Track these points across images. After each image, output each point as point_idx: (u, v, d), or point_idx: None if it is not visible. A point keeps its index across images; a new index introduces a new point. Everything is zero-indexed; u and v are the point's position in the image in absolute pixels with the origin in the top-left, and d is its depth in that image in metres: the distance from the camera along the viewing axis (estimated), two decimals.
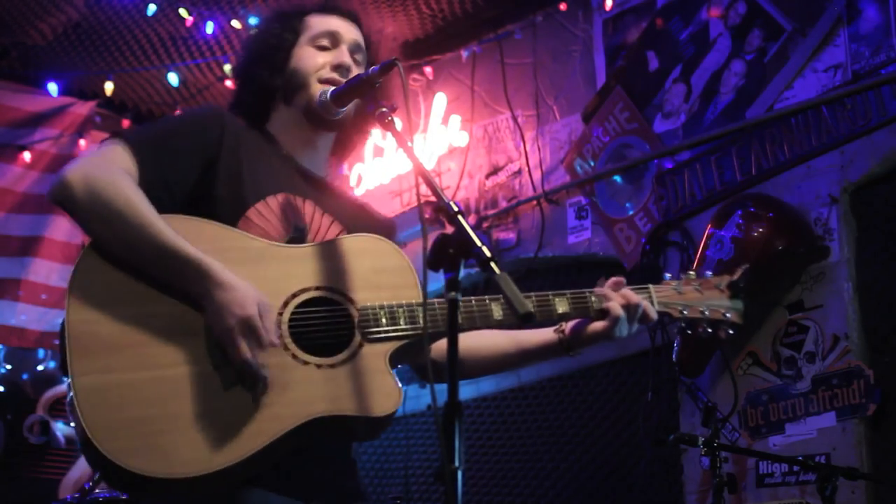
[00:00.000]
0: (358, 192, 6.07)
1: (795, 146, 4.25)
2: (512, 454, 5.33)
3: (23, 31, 5.61)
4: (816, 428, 4.00)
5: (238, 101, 2.46)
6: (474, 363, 2.36)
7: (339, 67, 2.36)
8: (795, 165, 4.24)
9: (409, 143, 2.10)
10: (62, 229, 5.95)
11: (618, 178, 4.98)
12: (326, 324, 2.09)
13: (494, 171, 5.59)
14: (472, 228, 1.84)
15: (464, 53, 5.72)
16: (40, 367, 6.46)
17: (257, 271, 2.09)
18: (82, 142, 6.02)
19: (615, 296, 2.29)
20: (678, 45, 4.82)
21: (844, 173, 4.11)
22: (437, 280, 1.80)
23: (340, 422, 2.05)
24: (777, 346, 4.18)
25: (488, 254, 1.79)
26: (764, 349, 4.23)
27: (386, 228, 2.41)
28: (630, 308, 2.28)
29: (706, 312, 2.40)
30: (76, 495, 3.89)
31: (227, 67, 5.81)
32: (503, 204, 5.49)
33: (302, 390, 2.03)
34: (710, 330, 2.40)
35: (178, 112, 5.92)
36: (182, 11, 5.45)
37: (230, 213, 2.16)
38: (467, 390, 5.39)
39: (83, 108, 6.08)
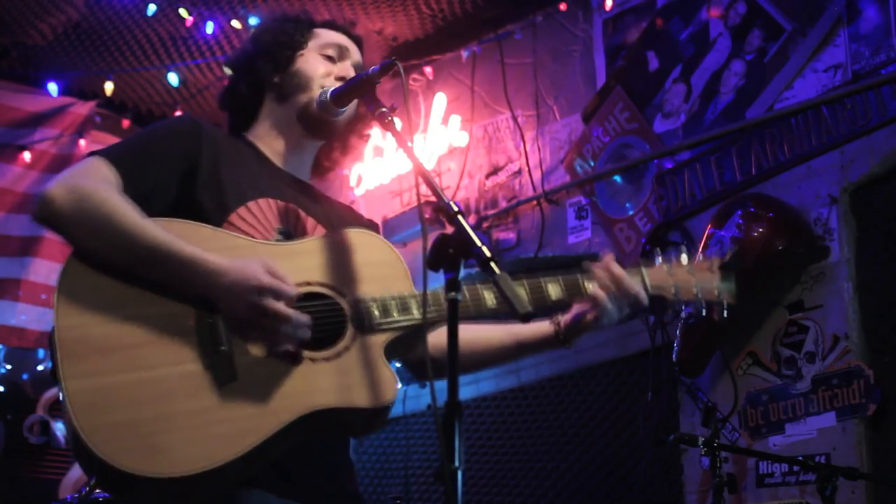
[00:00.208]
0: (358, 192, 6.08)
1: (795, 146, 4.24)
2: (512, 454, 5.33)
3: (23, 31, 5.61)
4: (816, 428, 3.99)
5: (230, 91, 2.46)
6: (471, 356, 2.35)
7: (342, 80, 2.38)
8: (795, 165, 4.24)
9: (409, 143, 2.11)
10: None
11: (618, 178, 4.98)
12: (319, 318, 2.09)
13: (494, 171, 5.58)
14: (472, 228, 1.84)
15: (464, 53, 5.72)
16: (40, 367, 6.46)
17: None
18: (82, 142, 6.01)
19: (602, 275, 2.30)
20: (678, 45, 4.82)
21: (844, 173, 4.11)
22: (437, 280, 1.80)
23: (338, 415, 2.05)
24: (777, 346, 4.18)
25: (488, 254, 1.80)
26: (764, 349, 4.23)
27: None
28: (615, 282, 2.28)
29: (699, 294, 2.40)
30: (76, 495, 3.88)
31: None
32: (503, 204, 5.49)
33: (298, 384, 2.03)
34: (704, 312, 2.40)
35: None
36: (182, 11, 5.44)
37: (213, 218, 2.15)
38: (467, 390, 5.38)
39: (83, 108, 6.07)
